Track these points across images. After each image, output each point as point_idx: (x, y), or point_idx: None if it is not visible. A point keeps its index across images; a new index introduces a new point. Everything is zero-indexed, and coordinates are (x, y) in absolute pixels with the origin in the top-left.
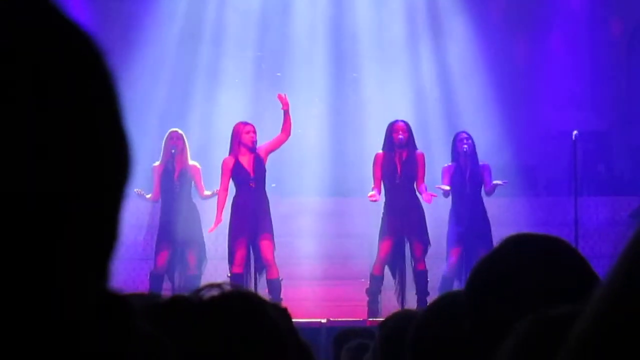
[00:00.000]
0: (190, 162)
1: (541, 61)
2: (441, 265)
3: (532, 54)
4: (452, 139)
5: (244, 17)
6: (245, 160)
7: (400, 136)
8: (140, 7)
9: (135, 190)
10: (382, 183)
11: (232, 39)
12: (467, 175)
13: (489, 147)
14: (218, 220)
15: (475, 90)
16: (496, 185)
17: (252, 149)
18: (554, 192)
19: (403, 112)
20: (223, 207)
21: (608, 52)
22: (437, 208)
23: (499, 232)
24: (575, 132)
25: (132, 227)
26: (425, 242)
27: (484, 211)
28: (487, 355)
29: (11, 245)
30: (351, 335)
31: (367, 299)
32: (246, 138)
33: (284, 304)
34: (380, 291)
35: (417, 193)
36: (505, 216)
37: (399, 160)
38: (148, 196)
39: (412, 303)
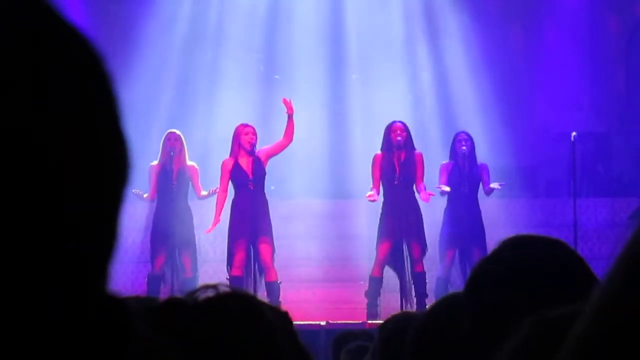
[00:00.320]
0: (188, 162)
1: (540, 62)
2: (439, 267)
3: (531, 55)
4: (451, 139)
5: (243, 19)
6: (245, 162)
7: (398, 137)
8: (138, 9)
9: (133, 190)
10: (380, 183)
11: (230, 41)
12: (465, 176)
13: (488, 148)
14: (216, 221)
15: (474, 91)
16: (494, 188)
17: (251, 151)
18: (553, 193)
19: (402, 114)
20: (222, 208)
21: (607, 53)
22: (435, 210)
23: (498, 234)
24: (574, 133)
25: (130, 230)
26: (423, 244)
27: (479, 213)
28: (487, 357)
29: (11, 245)
30: (350, 337)
31: (366, 301)
32: (245, 140)
33: (283, 306)
34: (379, 293)
35: (416, 194)
36: (504, 217)
37: (398, 161)
38: (145, 195)
39: (411, 305)
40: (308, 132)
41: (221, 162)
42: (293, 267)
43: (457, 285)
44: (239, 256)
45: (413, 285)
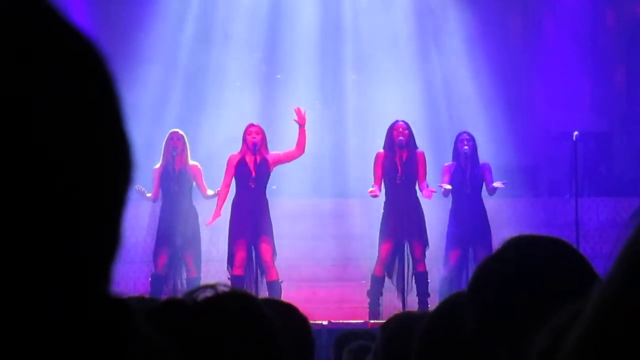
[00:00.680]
0: (191, 162)
1: (542, 62)
2: (442, 266)
3: (532, 55)
4: (453, 139)
5: (245, 19)
6: (250, 160)
7: (401, 136)
8: (140, 10)
9: (136, 187)
10: (382, 182)
11: (233, 42)
12: (468, 176)
13: (490, 148)
14: (216, 214)
15: (476, 91)
16: (497, 187)
17: (253, 150)
18: (555, 192)
19: (404, 113)
20: (223, 202)
21: (609, 53)
22: (437, 209)
23: (501, 233)
24: (575, 132)
25: (133, 229)
26: (425, 243)
27: (483, 212)
28: (491, 356)
29: (10, 245)
30: (352, 337)
31: (368, 300)
32: (248, 139)
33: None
34: (381, 293)
35: (418, 193)
36: (507, 217)
37: (400, 160)
38: (148, 195)
39: (413, 304)
40: (309, 131)
41: (227, 158)
42: (295, 267)
43: (462, 285)
44: (240, 255)
45: (415, 285)
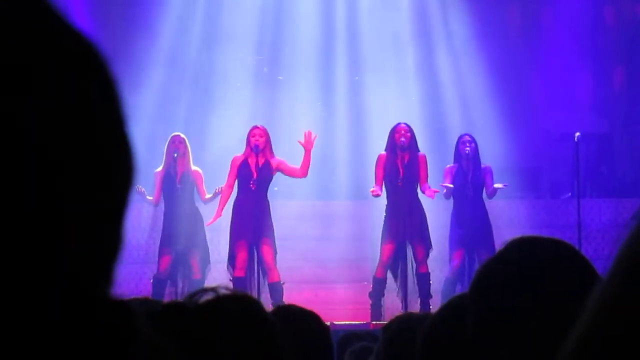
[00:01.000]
0: (193, 167)
1: (543, 63)
2: (444, 268)
3: (534, 56)
4: (454, 141)
5: (246, 20)
6: (252, 161)
7: (402, 138)
8: (141, 12)
9: (137, 187)
10: (383, 183)
11: (233, 43)
12: (469, 178)
13: (492, 150)
14: (218, 214)
15: (478, 93)
16: (497, 188)
17: (255, 151)
18: (557, 194)
19: (406, 115)
20: (225, 203)
21: (610, 54)
22: (439, 211)
23: (502, 234)
24: (577, 133)
25: (135, 231)
26: (427, 245)
27: (485, 214)
28: (490, 358)
29: (10, 245)
30: (354, 338)
31: (370, 302)
32: (252, 140)
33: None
34: (383, 294)
35: (420, 194)
36: (508, 218)
37: (401, 163)
38: (149, 198)
39: (415, 306)
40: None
41: (231, 159)
42: (297, 268)
43: (465, 287)
44: (241, 257)
45: (417, 286)
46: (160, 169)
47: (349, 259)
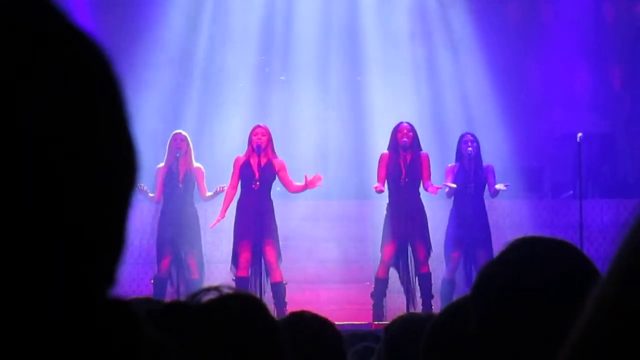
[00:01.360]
0: (195, 164)
1: (545, 63)
2: (445, 268)
3: (536, 56)
4: (456, 140)
5: (248, 20)
6: (254, 161)
7: (405, 138)
8: (143, 11)
9: (139, 185)
10: (385, 182)
11: (236, 43)
12: (471, 177)
13: (494, 150)
14: (221, 216)
15: (480, 92)
16: (499, 189)
17: (258, 151)
18: (559, 194)
19: (408, 115)
20: (229, 205)
21: (612, 54)
22: (440, 211)
23: (504, 235)
24: (579, 134)
25: (136, 231)
26: (428, 245)
27: (485, 214)
28: (493, 358)
29: (10, 245)
30: (356, 338)
31: (372, 302)
32: (254, 140)
33: (288, 307)
34: (385, 294)
35: (421, 195)
36: (510, 218)
37: (404, 162)
38: (151, 195)
39: (416, 306)
40: (313, 133)
41: (234, 159)
42: (299, 268)
43: (462, 286)
44: (244, 257)
45: (418, 287)
46: (162, 165)
47: (351, 259)
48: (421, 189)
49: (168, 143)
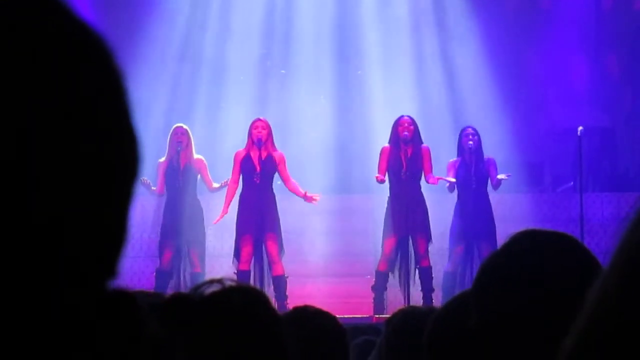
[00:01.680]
0: (196, 156)
1: (546, 57)
2: (446, 261)
3: (537, 50)
4: (457, 134)
5: (249, 14)
6: (255, 155)
7: (406, 131)
8: (144, 3)
9: (142, 179)
10: (386, 175)
11: (237, 36)
12: (473, 171)
13: (495, 144)
14: (224, 212)
15: (481, 86)
16: (501, 179)
17: (258, 145)
18: (560, 185)
19: (409, 109)
20: (231, 200)
21: (613, 49)
22: (441, 204)
23: (505, 228)
24: (580, 128)
25: (138, 225)
26: (428, 239)
27: (488, 207)
28: (497, 352)
29: (10, 242)
30: (357, 332)
31: (373, 295)
32: (254, 133)
33: (289, 301)
34: (386, 288)
35: (422, 188)
36: (511, 212)
37: (404, 156)
38: (153, 188)
39: (417, 299)
40: (314, 127)
41: (234, 154)
42: (299, 262)
43: (466, 280)
44: (246, 250)
45: (419, 280)
46: (163, 159)
47: (352, 253)
48: (422, 182)
49: (169, 137)
